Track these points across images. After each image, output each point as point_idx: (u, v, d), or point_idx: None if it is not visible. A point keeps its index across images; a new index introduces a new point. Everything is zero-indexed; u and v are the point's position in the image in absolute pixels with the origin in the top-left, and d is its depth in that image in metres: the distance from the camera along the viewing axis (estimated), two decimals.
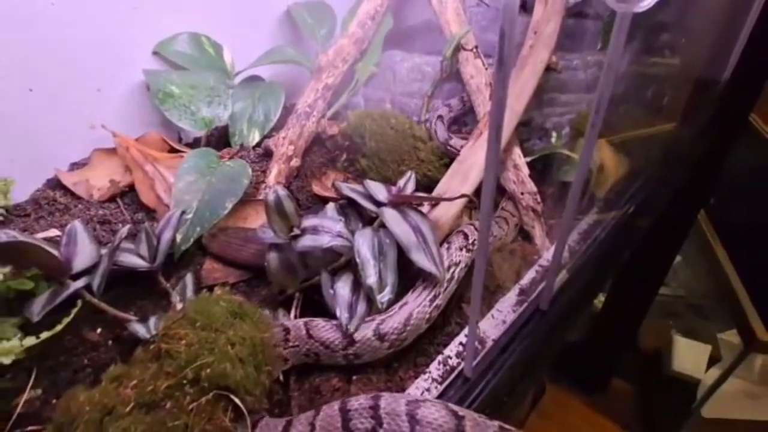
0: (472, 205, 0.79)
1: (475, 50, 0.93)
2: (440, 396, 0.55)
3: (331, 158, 0.93)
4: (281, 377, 0.57)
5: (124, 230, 0.67)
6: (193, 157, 0.79)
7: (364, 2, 1.03)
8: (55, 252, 0.58)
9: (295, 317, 0.65)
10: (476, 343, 0.59)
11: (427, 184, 0.84)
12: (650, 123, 1.22)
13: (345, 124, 0.93)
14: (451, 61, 0.95)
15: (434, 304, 0.62)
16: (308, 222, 0.63)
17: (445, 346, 0.61)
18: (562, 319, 0.68)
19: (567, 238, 0.62)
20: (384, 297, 0.59)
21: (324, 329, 0.58)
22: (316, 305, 0.65)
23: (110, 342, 0.61)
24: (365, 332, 0.57)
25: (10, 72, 0.75)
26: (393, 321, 0.59)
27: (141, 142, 0.87)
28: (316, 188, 0.86)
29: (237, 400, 0.47)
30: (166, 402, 0.46)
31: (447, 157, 0.88)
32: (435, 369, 0.57)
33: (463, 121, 0.98)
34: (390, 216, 0.63)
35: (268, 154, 0.90)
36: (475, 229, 0.71)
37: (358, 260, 0.60)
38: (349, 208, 0.71)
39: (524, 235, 0.81)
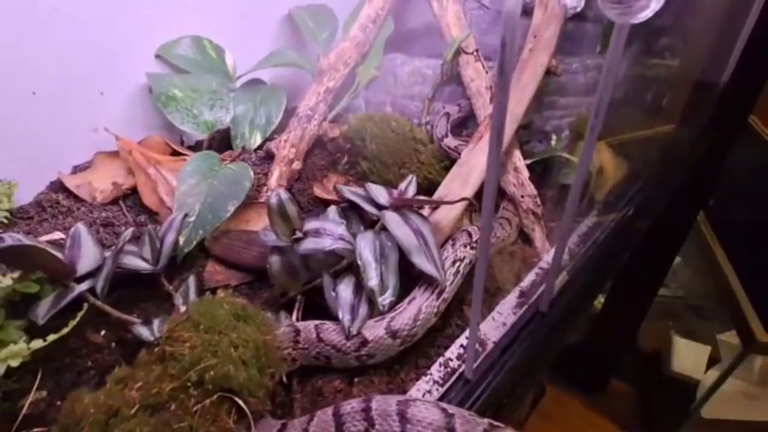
0: (472, 208, 0.80)
1: (475, 53, 0.94)
2: (441, 398, 0.55)
3: (332, 161, 0.94)
4: (284, 379, 0.57)
5: (127, 233, 0.68)
6: (196, 160, 0.80)
7: (365, 6, 1.03)
8: (59, 255, 0.58)
9: (297, 319, 0.65)
10: (477, 346, 0.60)
11: (427, 187, 0.84)
12: (649, 125, 1.22)
13: (346, 126, 0.93)
14: (452, 65, 0.96)
15: (441, 298, 0.63)
16: (310, 225, 0.64)
17: (446, 348, 0.61)
18: (562, 321, 0.69)
19: (567, 241, 0.63)
20: (385, 299, 0.59)
21: (336, 332, 0.58)
22: (318, 308, 0.66)
23: (114, 344, 0.62)
24: (378, 331, 0.58)
25: (14, 75, 0.76)
26: (403, 317, 0.59)
27: (143, 145, 0.88)
28: (318, 191, 0.86)
29: (241, 402, 0.48)
30: (170, 404, 0.47)
31: (447, 160, 0.89)
32: (436, 371, 0.58)
33: (464, 124, 0.98)
34: (391, 219, 0.64)
35: (269, 157, 0.91)
36: (479, 229, 0.72)
37: (359, 263, 0.61)
38: (350, 211, 0.72)
39: (524, 237, 0.81)
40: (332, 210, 0.71)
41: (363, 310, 0.60)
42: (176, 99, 0.87)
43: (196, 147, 0.96)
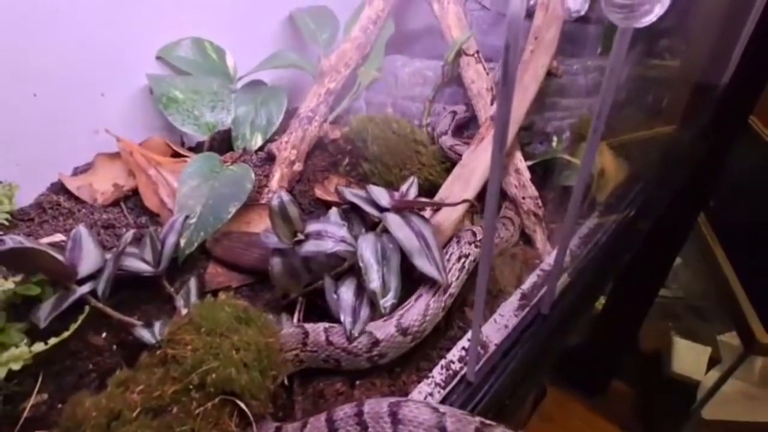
0: (473, 209, 0.80)
1: (476, 55, 0.94)
2: (443, 400, 0.55)
3: (333, 162, 0.94)
4: (286, 381, 0.57)
5: (128, 235, 0.68)
6: (197, 162, 0.80)
7: (366, 7, 1.03)
8: (60, 257, 0.58)
9: (299, 321, 0.65)
10: (478, 348, 0.60)
11: (428, 189, 0.84)
12: (650, 125, 1.22)
13: (347, 128, 0.93)
14: (453, 66, 0.96)
15: (448, 293, 0.64)
16: (312, 227, 0.64)
17: (448, 350, 0.61)
18: (564, 324, 0.69)
19: (568, 243, 0.63)
20: (387, 301, 0.59)
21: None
22: (319, 309, 0.66)
23: (115, 346, 0.61)
24: (388, 329, 0.58)
25: (15, 77, 0.76)
26: (412, 314, 0.60)
27: (144, 147, 0.87)
28: (319, 192, 0.86)
29: (242, 405, 0.48)
30: (172, 407, 0.47)
31: (448, 161, 0.89)
32: (438, 373, 0.58)
33: (465, 125, 0.98)
34: (393, 221, 0.64)
35: (270, 158, 0.91)
36: (483, 229, 0.72)
37: (361, 265, 0.61)
38: (352, 213, 0.72)
39: (525, 239, 0.81)
40: (334, 212, 0.71)
41: (365, 312, 0.59)
42: (177, 100, 0.87)
43: (197, 148, 0.96)
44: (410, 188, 0.71)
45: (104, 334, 0.62)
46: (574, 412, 1.82)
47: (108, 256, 0.65)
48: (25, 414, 0.52)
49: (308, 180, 0.90)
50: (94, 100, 0.85)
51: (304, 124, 0.92)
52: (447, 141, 0.90)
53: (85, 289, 0.58)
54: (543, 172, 0.88)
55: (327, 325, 0.60)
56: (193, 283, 0.68)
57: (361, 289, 0.62)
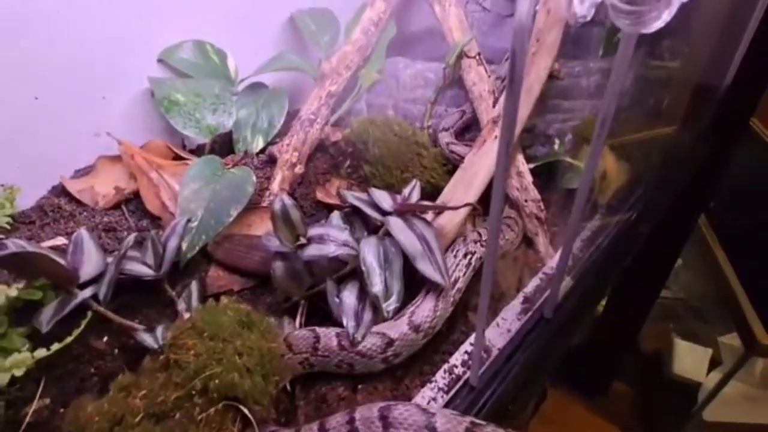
0: (476, 212, 0.80)
1: (477, 57, 0.94)
2: (446, 405, 0.55)
3: (334, 164, 0.94)
4: (288, 386, 0.57)
5: (130, 238, 0.67)
6: (198, 165, 0.79)
7: (367, 9, 1.03)
8: (62, 261, 0.58)
9: (301, 325, 0.65)
10: (482, 352, 0.60)
11: (430, 191, 0.84)
12: (651, 127, 1.22)
13: (348, 130, 0.93)
14: (454, 68, 0.96)
15: (456, 287, 0.65)
16: (314, 231, 0.63)
17: (451, 354, 0.61)
18: (567, 327, 0.69)
19: (571, 247, 0.63)
20: (390, 305, 0.59)
21: None
22: (322, 312, 0.66)
23: (116, 351, 0.61)
24: (401, 328, 0.58)
25: (16, 80, 0.76)
26: (423, 310, 0.60)
27: (145, 150, 0.87)
28: (320, 195, 0.86)
29: (245, 410, 0.48)
30: (175, 412, 0.47)
31: (450, 164, 0.89)
32: (441, 378, 0.58)
33: (468, 128, 0.98)
34: (395, 225, 0.63)
35: (272, 161, 0.91)
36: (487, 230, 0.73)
37: (363, 269, 0.60)
38: (354, 216, 0.72)
39: (527, 242, 0.81)
40: (336, 215, 0.71)
41: (367, 316, 0.59)
42: (178, 103, 0.87)
43: (198, 151, 0.96)
44: (412, 192, 0.71)
45: (106, 338, 0.62)
46: (575, 413, 1.82)
47: (109, 259, 0.65)
48: (28, 419, 0.52)
49: (309, 182, 0.90)
50: (96, 103, 0.85)
51: (306, 126, 0.92)
52: (445, 137, 0.90)
53: (86, 293, 0.58)
54: (545, 175, 0.88)
55: (339, 330, 0.59)
56: (194, 286, 0.68)
57: (363, 293, 0.62)
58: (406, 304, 0.61)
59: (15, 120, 0.77)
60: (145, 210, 0.81)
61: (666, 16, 0.30)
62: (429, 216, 0.73)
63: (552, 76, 0.90)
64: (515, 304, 0.68)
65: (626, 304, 1.72)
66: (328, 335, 0.59)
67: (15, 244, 0.56)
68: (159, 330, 0.58)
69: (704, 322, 1.84)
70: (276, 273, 0.64)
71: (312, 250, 0.62)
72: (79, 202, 0.82)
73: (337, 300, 0.62)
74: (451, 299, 0.64)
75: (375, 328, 0.60)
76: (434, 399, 0.55)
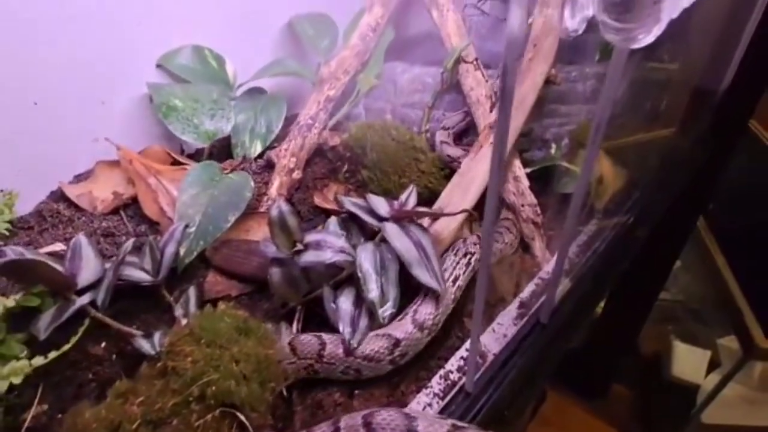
0: (473, 218, 0.80)
1: (475, 62, 0.94)
2: (442, 411, 0.55)
3: (332, 169, 0.94)
4: (284, 392, 0.57)
5: (128, 244, 0.68)
6: (197, 171, 0.80)
7: (365, 14, 1.04)
8: (60, 268, 0.58)
9: (298, 330, 0.65)
10: (477, 358, 0.60)
11: (428, 196, 0.84)
12: (649, 129, 1.22)
13: (346, 135, 0.93)
14: (452, 73, 0.96)
15: (456, 285, 0.66)
16: (311, 237, 0.64)
17: (447, 360, 0.61)
18: (563, 332, 0.69)
19: (567, 252, 0.63)
20: (386, 311, 0.60)
21: (366, 344, 0.58)
22: (319, 318, 0.66)
23: (114, 356, 0.62)
24: (406, 327, 0.59)
25: (15, 85, 0.76)
26: (426, 308, 0.61)
27: (144, 155, 0.88)
28: (318, 200, 0.86)
29: (242, 417, 0.48)
30: (172, 419, 0.47)
31: (448, 169, 0.89)
32: (436, 384, 0.58)
33: (465, 133, 0.98)
34: (391, 231, 0.64)
35: (270, 166, 0.91)
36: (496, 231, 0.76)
37: (360, 275, 0.61)
38: (350, 222, 0.72)
39: (524, 246, 0.82)
40: (333, 221, 0.72)
41: (363, 322, 0.60)
42: (177, 109, 0.87)
43: (197, 155, 0.97)
44: (409, 198, 0.71)
45: (104, 344, 0.62)
46: (574, 416, 1.82)
47: (107, 265, 0.65)
48: (26, 425, 0.53)
49: (307, 187, 0.90)
50: (95, 109, 0.86)
51: (304, 131, 0.93)
52: (441, 136, 0.90)
53: (84, 299, 0.59)
54: (542, 180, 0.88)
55: (344, 337, 0.60)
56: (192, 292, 0.68)
57: (359, 299, 0.62)
58: (402, 309, 0.62)
59: (14, 125, 0.77)
60: (143, 215, 0.82)
61: (656, 32, 0.30)
62: (425, 222, 0.73)
63: (549, 82, 0.91)
64: (511, 309, 0.69)
65: (625, 306, 1.72)
66: (334, 342, 0.59)
67: (14, 252, 0.57)
68: (156, 336, 0.59)
69: (703, 325, 1.84)
70: (273, 279, 0.64)
71: (309, 257, 0.62)
72: (77, 207, 0.82)
73: (333, 306, 0.62)
74: (452, 296, 0.65)
75: (379, 331, 0.60)
76: (430, 405, 0.56)
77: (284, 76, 1.04)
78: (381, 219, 0.67)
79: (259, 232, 0.79)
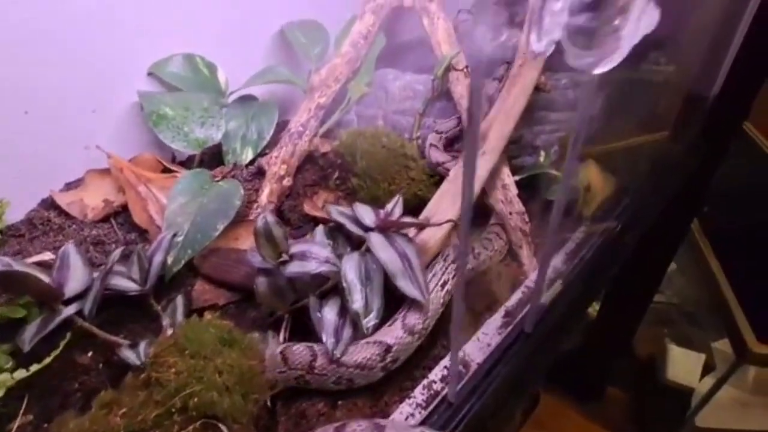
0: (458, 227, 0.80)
1: (465, 70, 0.95)
2: (424, 421, 0.56)
3: (323, 176, 0.94)
4: (268, 402, 0.58)
5: (116, 253, 0.68)
6: (186, 179, 0.80)
7: (356, 22, 1.04)
8: (47, 279, 0.59)
9: (284, 339, 0.66)
10: (461, 367, 0.61)
11: (417, 204, 0.84)
12: (641, 133, 1.22)
13: (337, 142, 0.94)
14: (442, 81, 0.97)
15: (445, 289, 0.67)
16: (296, 248, 0.64)
17: (431, 369, 0.62)
18: (548, 341, 0.69)
19: (549, 262, 0.63)
20: (369, 322, 0.60)
21: (358, 352, 0.59)
22: (305, 327, 0.66)
23: (101, 366, 0.62)
24: (396, 332, 0.60)
25: (6, 94, 0.76)
26: (414, 312, 0.63)
27: (135, 163, 0.88)
28: (307, 208, 0.87)
29: (224, 429, 0.49)
30: (154, 431, 0.47)
31: (437, 176, 0.90)
32: (419, 394, 0.58)
33: (456, 140, 0.99)
34: (376, 241, 0.64)
35: (261, 173, 0.91)
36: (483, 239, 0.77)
37: (344, 285, 0.61)
38: (337, 232, 0.73)
39: (512, 255, 0.82)
40: (320, 230, 0.72)
41: (347, 332, 0.60)
42: (167, 117, 0.87)
43: (188, 162, 0.97)
44: (395, 207, 0.71)
45: (90, 353, 0.63)
46: (568, 419, 1.82)
47: (96, 274, 0.65)
48: None
49: (298, 195, 0.91)
50: (86, 117, 0.86)
51: (294, 138, 0.93)
52: (431, 139, 0.91)
53: (70, 310, 0.59)
54: (530, 187, 0.89)
55: (327, 347, 0.60)
56: (179, 301, 0.68)
57: (344, 309, 0.62)
58: (385, 320, 0.62)
59: (5, 133, 0.78)
60: (132, 223, 0.82)
61: (617, 58, 0.31)
62: (412, 231, 0.73)
63: (538, 89, 0.91)
64: (496, 318, 0.69)
65: (620, 308, 1.73)
66: (324, 352, 0.59)
67: (1, 262, 0.57)
68: (142, 346, 0.59)
69: (698, 328, 1.85)
70: (259, 289, 0.65)
71: (294, 267, 0.63)
72: (68, 215, 0.82)
73: (319, 315, 0.62)
74: (442, 300, 0.66)
75: (369, 338, 0.61)
76: (412, 415, 0.56)
77: (276, 84, 1.04)
78: (367, 229, 0.67)
79: (248, 240, 0.79)
